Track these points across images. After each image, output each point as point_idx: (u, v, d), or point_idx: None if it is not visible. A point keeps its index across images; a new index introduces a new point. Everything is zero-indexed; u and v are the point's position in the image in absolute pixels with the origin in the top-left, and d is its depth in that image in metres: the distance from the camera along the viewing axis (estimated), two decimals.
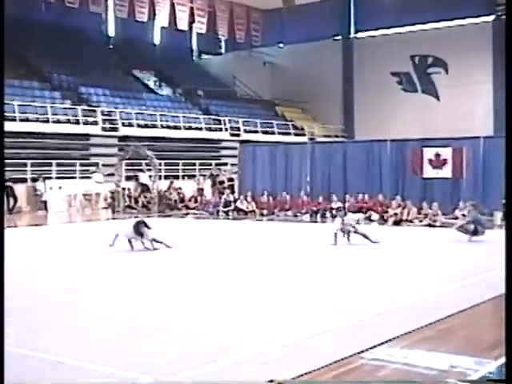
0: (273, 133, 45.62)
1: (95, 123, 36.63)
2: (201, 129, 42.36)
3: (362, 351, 7.53)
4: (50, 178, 32.56)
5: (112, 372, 6.81)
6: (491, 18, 45.95)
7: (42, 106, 35.24)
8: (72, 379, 6.39)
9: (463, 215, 21.88)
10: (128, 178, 34.10)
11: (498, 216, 23.33)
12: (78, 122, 35.95)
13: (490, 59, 46.67)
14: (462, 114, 45.25)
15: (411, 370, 7.10)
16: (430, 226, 23.09)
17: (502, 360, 7.28)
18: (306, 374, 6.64)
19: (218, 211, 29.21)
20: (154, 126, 39.48)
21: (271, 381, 6.07)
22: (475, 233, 17.88)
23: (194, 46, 56.19)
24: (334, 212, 23.73)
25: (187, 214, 30.32)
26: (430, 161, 26.37)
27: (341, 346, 7.68)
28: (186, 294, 11.13)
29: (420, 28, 49.28)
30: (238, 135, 43.03)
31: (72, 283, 12.29)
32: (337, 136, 49.71)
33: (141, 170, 34.29)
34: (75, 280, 12.63)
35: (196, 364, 7.02)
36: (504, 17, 44.45)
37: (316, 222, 26.11)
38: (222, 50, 57.39)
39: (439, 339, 8.23)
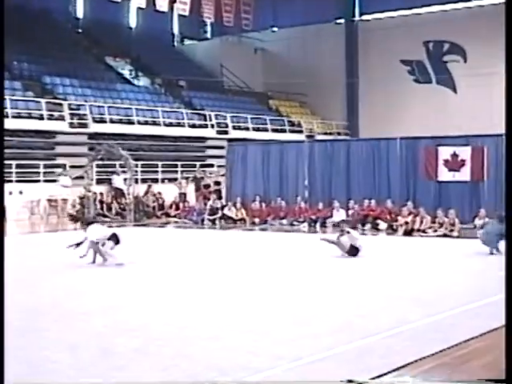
0: (265, 130, 45.73)
1: (62, 118, 36.64)
2: (183, 125, 42.43)
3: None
4: (9, 181, 32.47)
5: None
6: None
7: None
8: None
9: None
10: (100, 182, 34.09)
11: None
12: (41, 117, 35.95)
13: None
14: (483, 109, 45.43)
15: None
16: (445, 236, 23.13)
17: None
18: None
19: (202, 219, 29.23)
20: (130, 122, 39.50)
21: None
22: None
23: (176, 31, 56.27)
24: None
25: (167, 222, 30.36)
26: (446, 162, 26.45)
27: (343, 374, 7.69)
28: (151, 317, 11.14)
29: (434, 10, 49.47)
30: (225, 132, 43.12)
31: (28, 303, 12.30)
32: (339, 133, 49.91)
33: (114, 173, 34.23)
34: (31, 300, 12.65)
35: None
36: None
37: (316, 232, 26.09)
38: (208, 35, 57.55)
39: (456, 366, 8.25)
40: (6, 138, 33.29)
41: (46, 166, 34.68)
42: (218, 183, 34.21)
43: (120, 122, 39.00)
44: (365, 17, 53.22)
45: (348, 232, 18.01)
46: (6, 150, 33.05)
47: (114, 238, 16.52)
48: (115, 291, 13.47)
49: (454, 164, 26.28)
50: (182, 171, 38.39)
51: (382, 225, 25.19)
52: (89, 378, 7.68)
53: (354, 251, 17.40)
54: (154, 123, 40.76)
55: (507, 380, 4.98)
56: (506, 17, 6.59)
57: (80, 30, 49.57)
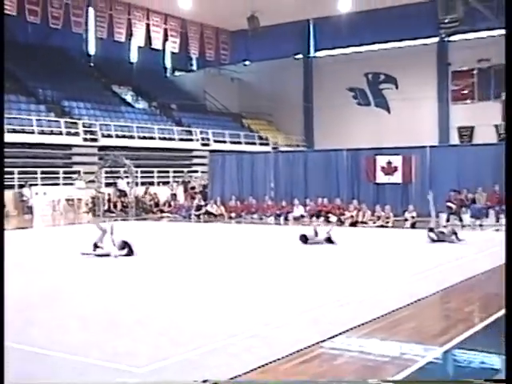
0: (240, 143, 45.64)
1: (77, 134, 36.38)
2: (174, 139, 42.27)
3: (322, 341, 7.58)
4: (35, 184, 32.30)
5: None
6: (436, 39, 46.41)
7: (28, 119, 34.93)
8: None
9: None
10: (107, 185, 33.92)
11: (444, 217, 23.60)
12: (61, 133, 35.68)
13: (434, 77, 47.28)
14: (411, 126, 45.69)
15: (365, 357, 7.15)
16: (382, 226, 23.29)
17: (447, 346, 7.40)
18: (266, 365, 6.61)
19: (190, 215, 29.14)
20: (131, 137, 39.30)
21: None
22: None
23: (168, 64, 55.99)
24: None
25: (162, 217, 30.24)
26: (383, 168, 26.57)
27: (303, 337, 7.72)
28: (161, 295, 11.11)
29: (373, 48, 49.66)
30: (208, 145, 43.00)
31: (53, 283, 12.23)
32: (298, 146, 49.87)
33: (119, 177, 34.10)
34: (56, 281, 12.57)
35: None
36: (447, 38, 45.08)
37: (279, 224, 26.15)
38: (194, 67, 57.28)
39: (391, 329, 8.30)
40: (32, 150, 33.36)
41: (64, 173, 34.47)
42: (202, 186, 34.13)
43: (123, 136, 38.78)
44: (318, 53, 53.27)
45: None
46: (33, 160, 33.14)
47: (128, 249, 15.22)
48: (120, 272, 13.44)
49: (389, 170, 26.41)
50: (174, 176, 38.27)
51: (333, 218, 25.23)
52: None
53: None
54: (151, 138, 40.57)
55: (507, 380, 4.65)
56: (506, 16, 6.19)
57: (92, 64, 49.23)
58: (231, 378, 6.18)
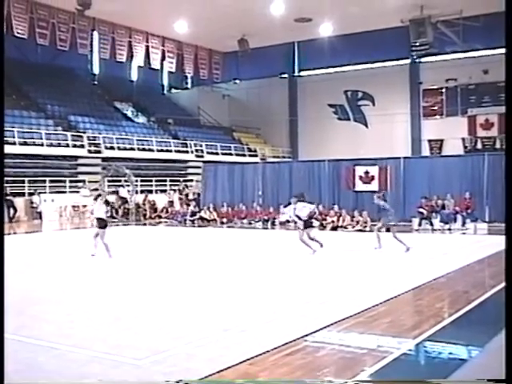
0: (231, 154, 45.63)
1: (82, 146, 36.30)
2: (171, 151, 42.23)
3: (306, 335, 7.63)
4: (44, 192, 32.20)
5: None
6: (408, 61, 46.67)
7: (37, 132, 34.83)
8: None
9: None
10: (110, 193, 33.81)
11: (416, 222, 23.75)
12: (67, 146, 35.58)
13: (407, 94, 47.48)
14: (386, 139, 45.82)
15: (345, 349, 7.19)
16: (360, 231, 23.32)
17: (420, 338, 7.46)
18: (247, 359, 6.59)
19: (185, 220, 29.13)
20: (132, 149, 39.22)
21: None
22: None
23: (165, 82, 55.90)
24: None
25: (159, 222, 30.21)
26: (361, 177, 26.67)
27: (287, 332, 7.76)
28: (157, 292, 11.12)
29: (352, 68, 49.80)
30: (201, 156, 42.98)
31: (61, 282, 12.21)
32: (284, 157, 49.91)
33: (120, 186, 34.00)
34: (63, 280, 12.55)
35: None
36: (419, 60, 45.31)
37: (267, 228, 26.18)
38: (189, 85, 57.20)
39: (369, 324, 8.34)
40: (41, 161, 33.27)
41: (70, 181, 34.39)
42: (196, 193, 34.11)
43: (125, 148, 38.69)
44: (302, 73, 53.35)
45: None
46: (42, 170, 33.06)
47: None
48: (121, 272, 13.44)
49: (366, 178, 26.51)
50: (170, 185, 38.23)
51: (315, 223, 25.19)
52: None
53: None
54: (150, 150, 40.54)
55: (507, 380, 4.45)
56: (506, 18, 5.97)
57: (96, 82, 49.03)
58: (210, 375, 6.15)
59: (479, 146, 42.80)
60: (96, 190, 31.68)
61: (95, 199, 16.47)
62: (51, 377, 6.19)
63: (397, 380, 6.18)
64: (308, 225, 16.31)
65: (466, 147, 43.27)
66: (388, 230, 18.34)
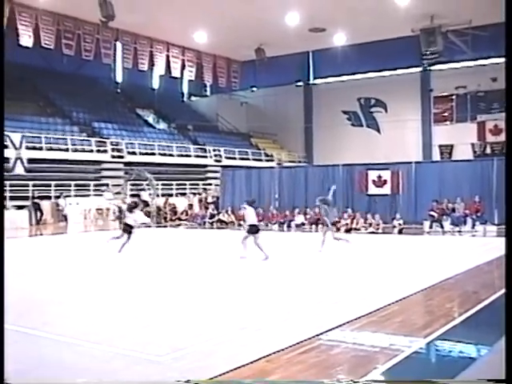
0: (248, 159, 45.65)
1: (105, 152, 36.46)
2: (190, 156, 42.34)
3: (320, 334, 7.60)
4: (69, 195, 32.37)
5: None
6: (419, 69, 46.48)
7: (63, 138, 35.04)
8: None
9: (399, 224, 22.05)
10: (132, 196, 33.93)
11: (427, 224, 23.63)
12: (91, 151, 35.77)
13: (418, 101, 47.32)
14: (398, 144, 45.68)
15: (358, 347, 7.17)
16: (373, 233, 23.25)
17: (431, 337, 7.41)
18: (263, 357, 6.55)
19: (204, 222, 29.20)
20: (153, 154, 39.35)
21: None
22: None
23: (185, 90, 56.13)
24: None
25: (179, 224, 30.28)
26: (374, 181, 26.60)
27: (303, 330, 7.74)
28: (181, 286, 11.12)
29: (365, 76, 49.73)
30: (220, 161, 43.04)
31: (83, 282, 12.28)
32: (299, 161, 49.85)
33: (142, 189, 34.11)
34: (86, 279, 12.62)
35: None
36: (429, 68, 45.10)
37: (283, 230, 26.13)
38: (208, 93, 57.36)
39: (381, 323, 8.30)
40: (67, 166, 33.44)
41: (94, 185, 34.52)
42: (215, 197, 34.14)
43: (146, 154, 38.83)
44: (316, 81, 53.34)
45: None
46: (68, 174, 33.24)
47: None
48: (141, 271, 13.48)
49: (379, 182, 26.44)
50: (190, 188, 38.30)
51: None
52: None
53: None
54: (170, 155, 40.63)
55: (507, 380, 4.39)
56: (506, 18, 5.99)
57: (119, 90, 49.34)
58: (227, 372, 6.14)
59: (488, 151, 42.53)
60: (119, 193, 31.89)
61: (130, 211, 16.93)
62: (76, 373, 6.22)
63: (404, 380, 6.12)
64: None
65: (475, 152, 43.00)
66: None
